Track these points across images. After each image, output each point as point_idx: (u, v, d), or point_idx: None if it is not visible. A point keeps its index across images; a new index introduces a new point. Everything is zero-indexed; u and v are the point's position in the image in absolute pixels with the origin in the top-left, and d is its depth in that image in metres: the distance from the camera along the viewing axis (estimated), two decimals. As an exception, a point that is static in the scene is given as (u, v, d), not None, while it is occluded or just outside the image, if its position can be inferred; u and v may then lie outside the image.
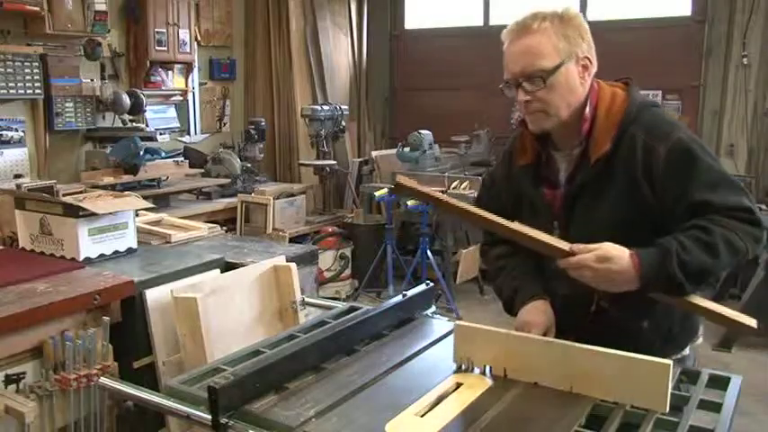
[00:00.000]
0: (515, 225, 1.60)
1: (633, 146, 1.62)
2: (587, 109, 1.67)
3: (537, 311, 1.74)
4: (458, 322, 1.69)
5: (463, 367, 1.64)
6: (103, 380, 1.79)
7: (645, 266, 1.50)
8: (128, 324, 2.40)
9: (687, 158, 1.59)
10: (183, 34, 5.50)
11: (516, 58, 1.64)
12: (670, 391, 1.43)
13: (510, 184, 1.87)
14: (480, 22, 6.84)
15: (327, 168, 5.89)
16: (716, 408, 1.49)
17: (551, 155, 1.77)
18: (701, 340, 1.85)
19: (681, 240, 1.52)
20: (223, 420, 1.40)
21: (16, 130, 4.61)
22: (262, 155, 5.96)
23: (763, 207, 4.93)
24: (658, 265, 1.51)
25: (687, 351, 1.81)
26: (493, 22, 6.78)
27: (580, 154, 1.70)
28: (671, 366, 1.42)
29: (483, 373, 1.62)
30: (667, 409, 1.43)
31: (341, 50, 7.01)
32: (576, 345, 1.53)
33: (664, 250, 1.52)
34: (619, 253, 1.51)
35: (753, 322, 1.56)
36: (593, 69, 1.67)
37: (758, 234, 1.55)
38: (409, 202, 5.05)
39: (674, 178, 1.58)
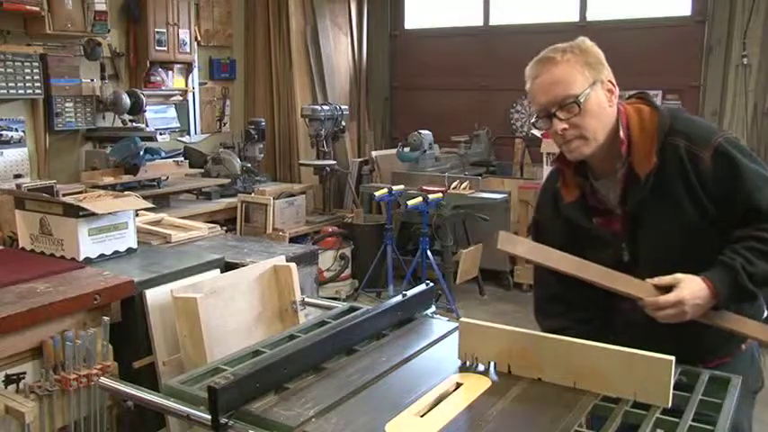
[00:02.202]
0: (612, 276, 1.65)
1: (678, 155, 1.65)
2: (621, 131, 1.70)
3: None
4: (462, 319, 1.70)
5: (468, 364, 1.64)
6: (103, 380, 1.80)
7: (719, 287, 1.58)
8: (128, 324, 2.40)
9: (731, 162, 1.63)
10: (183, 34, 5.50)
11: (546, 89, 1.67)
12: (672, 385, 1.44)
13: (560, 222, 1.86)
14: (480, 22, 6.83)
15: (327, 168, 5.89)
16: (716, 408, 1.49)
17: (594, 185, 1.79)
18: None
19: (742, 254, 1.59)
20: (223, 420, 1.40)
21: (16, 130, 4.61)
22: (262, 155, 5.96)
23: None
24: (731, 283, 1.58)
25: (743, 347, 1.82)
26: (493, 21, 6.77)
27: (625, 175, 1.71)
28: (673, 362, 1.44)
29: (487, 369, 1.62)
30: (669, 403, 1.44)
31: (341, 50, 7.01)
32: (579, 341, 1.54)
33: (730, 268, 1.58)
34: (695, 284, 1.58)
35: None
36: (617, 92, 1.72)
37: None
38: (409, 202, 5.05)
39: (720, 181, 1.63)
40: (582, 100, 1.64)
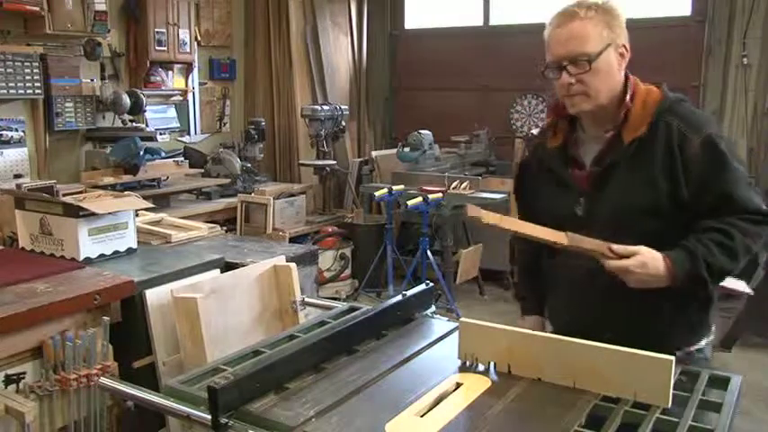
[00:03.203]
0: (566, 236, 1.70)
1: (670, 132, 1.72)
2: (627, 97, 1.77)
3: (536, 324, 2.05)
4: (462, 319, 1.70)
5: (468, 364, 1.64)
6: (103, 380, 1.79)
7: (677, 270, 1.63)
8: (128, 324, 2.40)
9: (717, 153, 1.69)
10: (183, 34, 5.50)
11: (563, 42, 1.72)
12: (672, 385, 1.44)
13: (540, 165, 1.95)
14: (480, 22, 6.83)
15: (327, 168, 5.89)
16: (716, 408, 1.49)
17: (579, 138, 1.87)
18: (713, 337, 1.90)
19: (705, 243, 1.65)
20: (223, 420, 1.40)
21: (16, 130, 4.61)
22: (262, 155, 5.96)
23: (764, 207, 4.93)
24: (690, 268, 1.64)
25: (703, 344, 1.86)
26: (493, 21, 6.77)
27: (613, 136, 1.77)
28: (673, 362, 1.44)
29: (487, 369, 1.62)
30: (669, 403, 1.44)
31: (341, 50, 7.00)
32: (579, 341, 1.54)
33: (691, 254, 1.64)
34: (654, 261, 1.64)
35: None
36: (628, 57, 1.78)
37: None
38: (409, 202, 5.05)
39: (704, 169, 1.69)
40: (594, 59, 1.69)
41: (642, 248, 1.64)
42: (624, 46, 1.76)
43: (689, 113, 1.76)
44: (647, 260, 1.63)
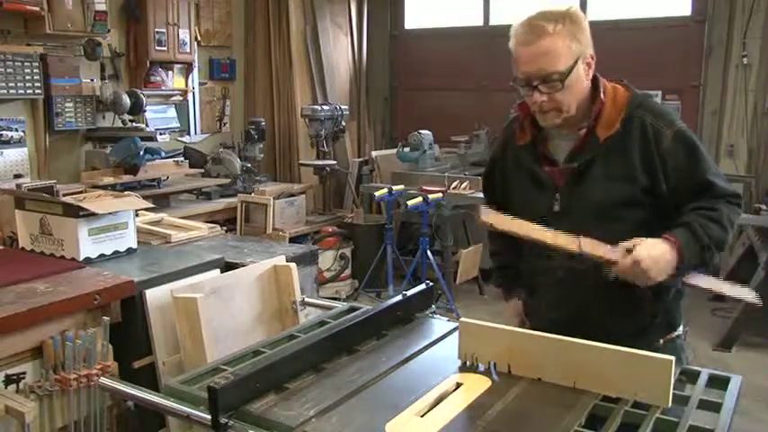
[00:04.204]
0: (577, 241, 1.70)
1: (643, 127, 1.75)
2: (601, 94, 1.78)
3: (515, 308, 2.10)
4: (462, 319, 1.70)
5: (468, 364, 1.64)
6: (103, 380, 1.79)
7: (683, 244, 1.66)
8: (128, 324, 2.40)
9: (691, 144, 1.76)
10: (183, 34, 5.49)
11: (533, 60, 1.71)
12: (672, 385, 1.44)
13: (511, 162, 1.97)
14: (480, 22, 6.84)
15: (327, 168, 5.89)
16: (716, 408, 1.49)
17: (548, 134, 1.88)
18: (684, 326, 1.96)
19: (696, 219, 1.70)
20: (223, 420, 1.40)
21: (16, 130, 4.61)
22: (262, 155, 5.96)
23: (764, 207, 4.93)
24: (692, 240, 1.67)
25: (680, 330, 1.91)
26: (493, 21, 6.77)
27: (586, 133, 1.79)
28: (673, 362, 1.44)
29: (487, 369, 1.62)
30: (670, 403, 1.44)
31: (341, 50, 7.00)
32: (580, 341, 1.54)
33: (688, 227, 1.69)
34: (657, 244, 1.65)
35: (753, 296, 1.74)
36: (594, 63, 1.78)
37: (740, 215, 1.80)
38: (409, 202, 5.05)
39: (680, 159, 1.74)
40: (565, 77, 1.70)
41: (637, 239, 1.65)
42: (591, 56, 1.76)
43: (658, 108, 1.81)
44: (651, 247, 1.63)
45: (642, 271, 1.62)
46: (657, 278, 1.65)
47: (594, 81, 1.80)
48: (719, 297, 5.18)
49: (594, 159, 1.78)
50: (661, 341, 1.84)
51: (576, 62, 1.70)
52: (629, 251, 1.64)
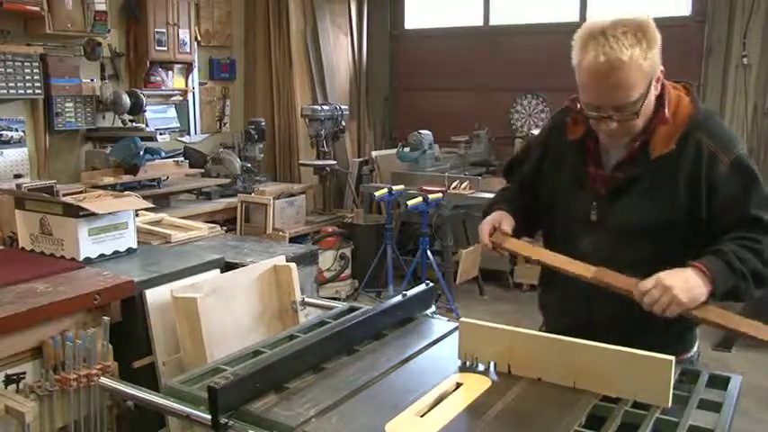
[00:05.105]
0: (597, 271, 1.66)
1: (699, 150, 1.65)
2: (666, 110, 1.68)
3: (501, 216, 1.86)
4: (462, 319, 1.70)
5: (468, 364, 1.64)
6: (103, 380, 1.79)
7: (713, 271, 1.55)
8: (128, 324, 2.40)
9: (747, 174, 1.65)
10: (183, 34, 5.49)
11: (606, 92, 1.60)
12: (672, 385, 1.44)
13: (553, 152, 1.86)
14: (480, 22, 6.84)
15: (327, 168, 5.89)
16: (716, 408, 1.49)
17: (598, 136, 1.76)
18: (697, 343, 1.88)
19: (732, 247, 1.59)
20: (223, 420, 1.40)
21: (16, 130, 4.61)
22: (262, 155, 5.96)
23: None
24: (725, 268, 1.56)
25: (693, 351, 1.84)
26: (493, 21, 6.78)
27: (638, 147, 1.70)
28: (673, 362, 1.44)
29: (487, 369, 1.62)
30: (670, 404, 1.44)
31: (341, 50, 7.00)
32: (579, 341, 1.54)
33: (719, 252, 1.58)
34: (678, 272, 1.55)
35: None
36: (662, 77, 1.68)
37: None
38: (409, 202, 5.05)
39: (732, 189, 1.63)
40: (640, 106, 1.60)
41: (659, 274, 1.55)
42: (661, 70, 1.65)
43: (719, 131, 1.69)
44: (670, 276, 1.53)
45: (672, 299, 1.52)
46: (687, 305, 1.54)
47: (662, 90, 1.68)
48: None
49: (642, 175, 1.69)
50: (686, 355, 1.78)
51: (649, 85, 1.61)
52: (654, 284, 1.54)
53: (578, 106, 1.70)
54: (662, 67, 1.65)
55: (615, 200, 1.72)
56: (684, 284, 1.53)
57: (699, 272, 1.55)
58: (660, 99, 1.68)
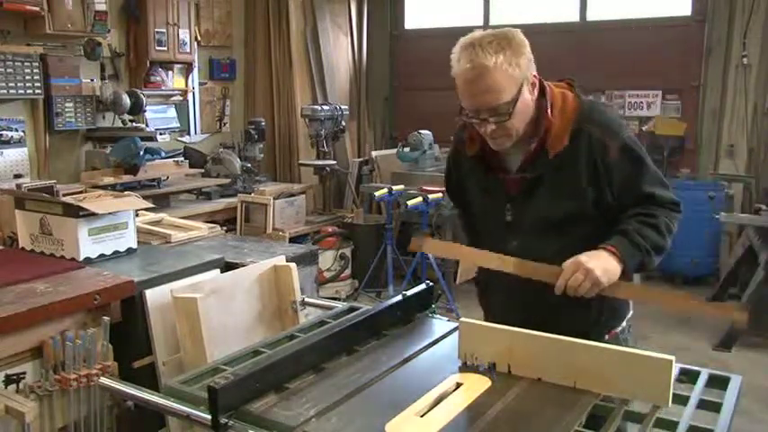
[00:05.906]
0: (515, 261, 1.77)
1: (590, 141, 1.78)
2: (549, 112, 1.79)
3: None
4: (462, 319, 1.70)
5: (467, 364, 1.65)
6: (103, 380, 1.80)
7: (620, 250, 1.70)
8: (128, 324, 2.40)
9: (635, 156, 1.80)
10: (183, 34, 5.50)
11: (477, 96, 1.72)
12: (672, 386, 1.44)
13: (461, 170, 2.02)
14: (480, 22, 6.83)
15: (327, 168, 5.89)
16: (716, 408, 1.49)
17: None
18: (631, 313, 1.99)
19: (632, 224, 1.75)
20: (223, 420, 1.40)
21: (16, 130, 4.61)
22: (262, 155, 5.96)
23: (764, 207, 4.93)
24: (629, 245, 1.71)
25: (624, 324, 1.96)
26: (493, 21, 6.77)
27: (535, 149, 1.81)
28: (673, 361, 1.44)
29: (487, 369, 1.63)
30: (669, 404, 1.44)
31: (341, 50, 7.01)
32: (580, 341, 1.55)
33: (624, 233, 1.74)
34: (599, 253, 1.69)
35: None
36: (538, 81, 1.78)
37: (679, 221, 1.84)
38: (409, 202, 5.05)
39: (624, 171, 1.79)
40: (512, 107, 1.71)
41: (578, 258, 1.67)
42: (534, 75, 1.75)
43: (604, 119, 1.82)
44: (589, 259, 1.66)
45: (594, 281, 1.65)
46: (606, 284, 1.67)
47: (542, 91, 1.79)
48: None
49: (544, 174, 1.81)
50: (606, 336, 1.88)
51: (520, 89, 1.71)
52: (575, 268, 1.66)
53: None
54: (535, 73, 1.76)
55: (526, 199, 1.85)
56: (602, 266, 1.66)
57: (611, 254, 1.69)
58: (541, 102, 1.79)
